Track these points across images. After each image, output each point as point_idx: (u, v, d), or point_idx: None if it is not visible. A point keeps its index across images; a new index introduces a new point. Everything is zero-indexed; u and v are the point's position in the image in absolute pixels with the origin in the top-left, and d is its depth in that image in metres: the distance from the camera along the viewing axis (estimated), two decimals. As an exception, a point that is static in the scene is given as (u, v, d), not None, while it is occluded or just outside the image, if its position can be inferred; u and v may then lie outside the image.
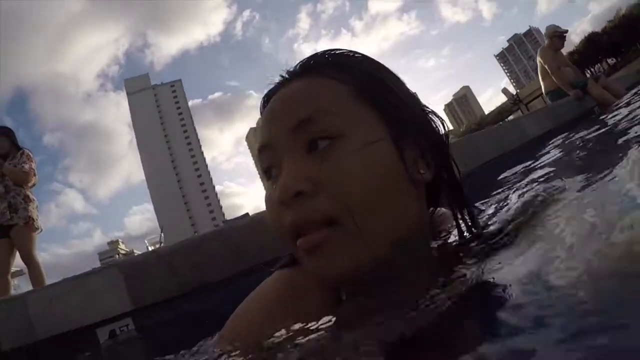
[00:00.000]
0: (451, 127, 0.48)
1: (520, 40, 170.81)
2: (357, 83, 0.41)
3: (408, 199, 0.40)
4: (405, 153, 0.40)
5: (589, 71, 23.27)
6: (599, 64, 23.52)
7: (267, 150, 0.42)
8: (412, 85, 0.47)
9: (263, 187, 0.44)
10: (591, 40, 23.10)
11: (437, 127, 0.45)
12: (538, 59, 4.70)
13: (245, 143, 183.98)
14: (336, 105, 0.39)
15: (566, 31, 4.56)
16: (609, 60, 22.68)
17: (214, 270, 1.61)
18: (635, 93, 4.49)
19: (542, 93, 4.99)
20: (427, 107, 0.46)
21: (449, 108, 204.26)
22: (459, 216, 0.44)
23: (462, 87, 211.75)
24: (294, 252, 0.40)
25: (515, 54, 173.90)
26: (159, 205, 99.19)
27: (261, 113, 0.45)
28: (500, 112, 27.71)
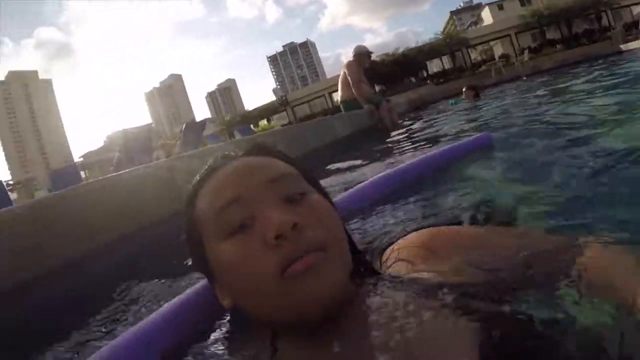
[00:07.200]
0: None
1: (294, 49, 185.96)
2: (296, 167, 0.52)
3: None
4: None
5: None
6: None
7: (235, 205, 0.45)
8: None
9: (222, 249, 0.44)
10: (370, 67, 27.55)
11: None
12: (343, 70, 5.11)
13: None
14: (296, 173, 0.50)
15: (372, 52, 5.18)
16: (379, 87, 26.71)
17: None
18: (408, 120, 5.87)
19: (308, 101, 5.60)
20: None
21: (211, 97, 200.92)
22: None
23: (227, 79, 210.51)
24: (274, 293, 0.42)
25: (286, 61, 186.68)
26: None
27: (201, 184, 0.50)
28: (266, 110, 29.77)
